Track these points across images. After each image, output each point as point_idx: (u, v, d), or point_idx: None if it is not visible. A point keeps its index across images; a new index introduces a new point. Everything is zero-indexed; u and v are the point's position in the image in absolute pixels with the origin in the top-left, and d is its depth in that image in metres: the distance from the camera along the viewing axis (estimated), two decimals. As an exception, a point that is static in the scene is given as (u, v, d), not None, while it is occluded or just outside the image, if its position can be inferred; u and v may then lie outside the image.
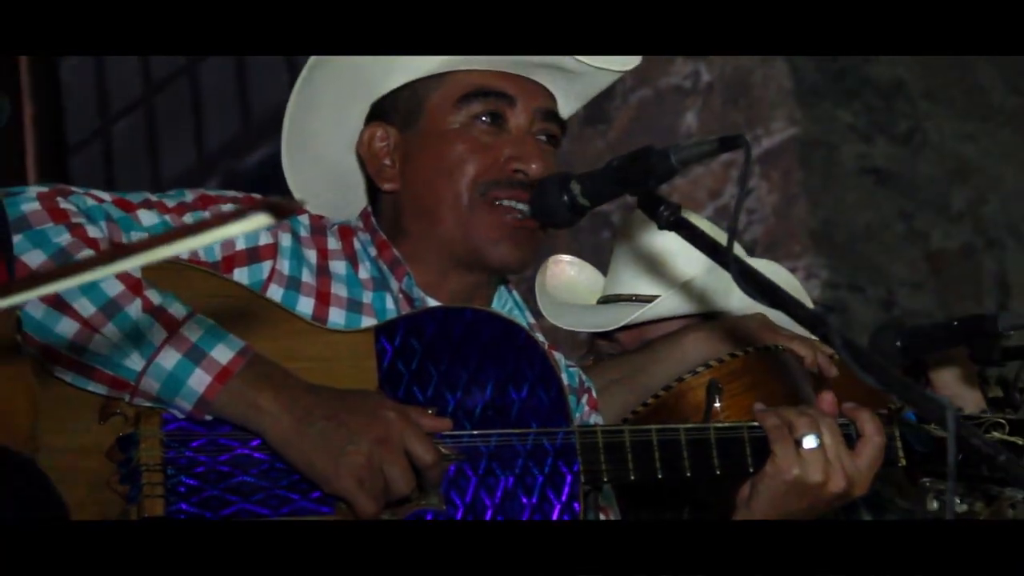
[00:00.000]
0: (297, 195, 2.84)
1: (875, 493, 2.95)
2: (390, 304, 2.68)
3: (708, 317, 3.16)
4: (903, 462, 2.74)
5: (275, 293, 2.60)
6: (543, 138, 2.75)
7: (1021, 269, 5.80)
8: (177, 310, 2.44)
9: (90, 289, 2.40)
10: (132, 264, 1.67)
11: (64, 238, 2.44)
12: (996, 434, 2.74)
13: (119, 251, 1.69)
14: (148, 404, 2.44)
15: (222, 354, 2.42)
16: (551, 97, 2.78)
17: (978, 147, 5.83)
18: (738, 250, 2.87)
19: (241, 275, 2.60)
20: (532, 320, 2.81)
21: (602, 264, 3.48)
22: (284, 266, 2.63)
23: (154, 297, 2.43)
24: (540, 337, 2.68)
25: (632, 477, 2.59)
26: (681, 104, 5.75)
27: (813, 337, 2.93)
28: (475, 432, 2.54)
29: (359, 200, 2.84)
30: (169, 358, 2.41)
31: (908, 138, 5.72)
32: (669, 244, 3.14)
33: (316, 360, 2.52)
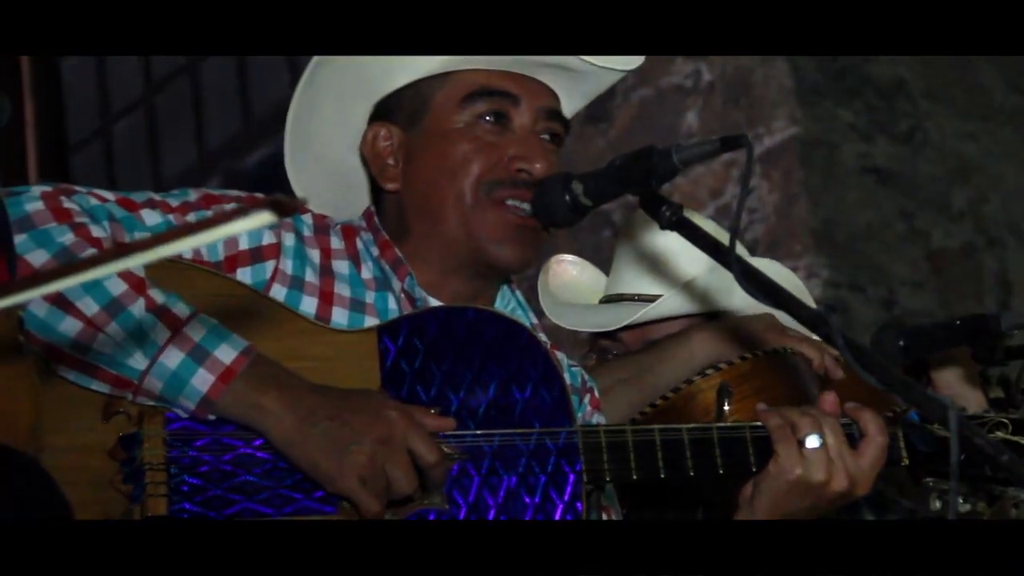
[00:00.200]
0: (299, 194, 2.84)
1: (878, 493, 2.95)
2: (392, 304, 2.68)
3: (711, 316, 3.16)
4: (906, 462, 2.74)
5: (278, 293, 2.60)
6: (547, 137, 2.75)
7: (1022, 268, 5.80)
8: (180, 309, 2.44)
9: (93, 288, 2.40)
10: (135, 262, 1.67)
11: (67, 237, 2.43)
12: (999, 434, 2.73)
13: (122, 249, 1.69)
14: (151, 403, 2.44)
15: (225, 354, 2.42)
16: (555, 96, 2.78)
17: (979, 146, 5.82)
18: (740, 250, 2.86)
19: (244, 275, 2.59)
20: (535, 320, 2.81)
21: (602, 263, 3.48)
22: (287, 266, 2.63)
23: (157, 296, 2.43)
24: (543, 337, 2.68)
25: (635, 477, 2.59)
26: (682, 103, 5.74)
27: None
28: (478, 432, 2.54)
29: (362, 200, 2.84)
30: (172, 357, 2.41)
31: (909, 137, 5.71)
32: (671, 244, 3.14)
33: (319, 360, 2.52)
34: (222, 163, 7.45)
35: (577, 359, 3.07)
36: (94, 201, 2.55)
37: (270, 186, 2.71)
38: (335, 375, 2.50)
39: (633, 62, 2.82)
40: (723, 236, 2.55)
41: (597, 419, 2.83)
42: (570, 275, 3.43)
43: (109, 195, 2.58)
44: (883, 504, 3.16)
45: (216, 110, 7.56)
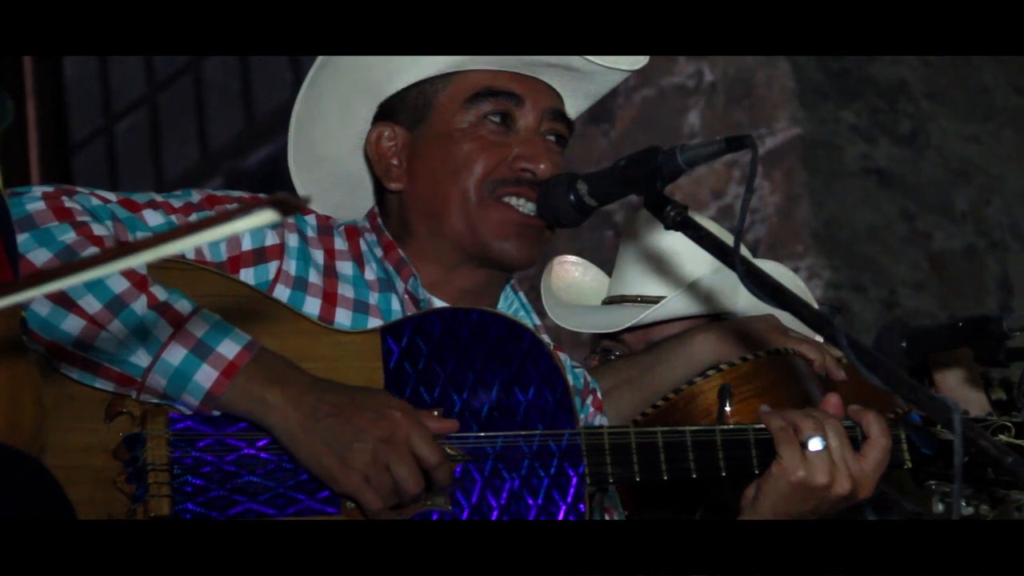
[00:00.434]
0: (303, 194, 2.83)
1: (881, 495, 2.94)
2: (396, 305, 2.68)
3: (714, 318, 3.16)
4: (909, 464, 2.73)
5: (281, 293, 2.60)
6: (551, 138, 2.75)
7: (1023, 270, 5.80)
8: (183, 306, 2.44)
9: (95, 286, 2.39)
10: (138, 261, 1.66)
11: (69, 236, 2.43)
12: (1003, 437, 2.73)
13: (124, 248, 1.68)
14: (155, 400, 2.44)
15: (228, 349, 2.42)
16: (559, 97, 2.78)
17: (981, 148, 5.82)
18: (743, 251, 2.86)
19: (248, 275, 2.59)
20: (538, 322, 2.81)
21: (604, 263, 3.47)
22: (291, 266, 2.63)
23: (159, 293, 2.43)
24: (546, 338, 2.68)
25: (638, 478, 2.59)
26: (684, 104, 5.74)
27: (821, 339, 2.93)
28: (481, 433, 2.54)
29: (366, 200, 2.84)
30: (175, 354, 2.41)
31: (911, 139, 5.71)
32: (675, 245, 3.14)
33: (322, 360, 2.52)
34: (224, 163, 7.45)
35: (580, 360, 3.07)
36: (96, 201, 2.55)
37: (273, 186, 2.71)
38: (338, 376, 2.50)
39: (637, 62, 2.81)
40: (726, 237, 2.54)
41: (599, 421, 2.83)
42: (573, 276, 3.42)
43: (111, 196, 2.58)
44: (886, 506, 3.15)
45: (218, 110, 7.57)
